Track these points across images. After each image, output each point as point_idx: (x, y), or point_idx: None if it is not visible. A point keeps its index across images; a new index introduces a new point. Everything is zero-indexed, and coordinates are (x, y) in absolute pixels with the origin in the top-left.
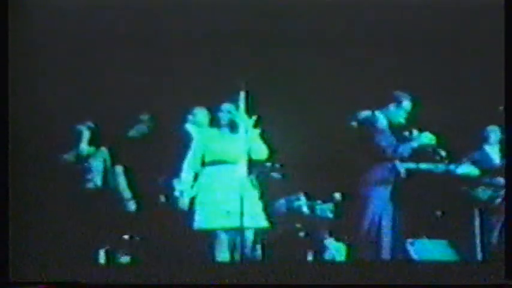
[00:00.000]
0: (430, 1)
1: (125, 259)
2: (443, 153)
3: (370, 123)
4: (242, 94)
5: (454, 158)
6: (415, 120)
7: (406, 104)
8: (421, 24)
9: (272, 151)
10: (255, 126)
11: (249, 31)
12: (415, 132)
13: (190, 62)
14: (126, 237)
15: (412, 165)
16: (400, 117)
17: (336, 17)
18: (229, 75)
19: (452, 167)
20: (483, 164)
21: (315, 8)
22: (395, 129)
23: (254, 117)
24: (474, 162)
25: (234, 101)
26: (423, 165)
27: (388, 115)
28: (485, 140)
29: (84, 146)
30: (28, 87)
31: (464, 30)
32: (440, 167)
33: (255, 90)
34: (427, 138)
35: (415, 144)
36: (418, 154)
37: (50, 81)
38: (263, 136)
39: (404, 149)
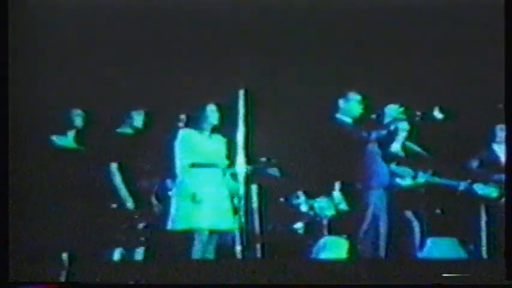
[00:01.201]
0: (430, 1)
1: (124, 258)
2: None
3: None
4: (241, 93)
5: (458, 157)
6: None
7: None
8: (421, 24)
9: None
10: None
11: (247, 30)
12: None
13: (190, 61)
14: (125, 236)
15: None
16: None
17: (334, 17)
18: (228, 74)
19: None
20: (486, 163)
21: (313, 8)
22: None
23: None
24: (477, 161)
25: (233, 99)
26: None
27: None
28: (492, 139)
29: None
30: (29, 85)
31: (464, 30)
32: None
33: (253, 89)
34: (394, 110)
35: (387, 119)
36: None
37: (50, 79)
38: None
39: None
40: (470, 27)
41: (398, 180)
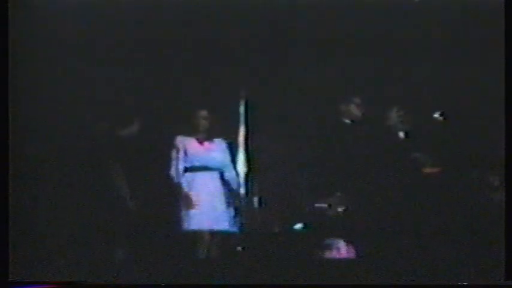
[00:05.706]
0: (429, 1)
1: (124, 258)
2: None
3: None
4: (242, 97)
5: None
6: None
7: None
8: (420, 24)
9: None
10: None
11: (251, 37)
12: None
13: (191, 66)
14: (125, 236)
15: None
16: None
17: (339, 21)
18: (229, 81)
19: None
20: (485, 163)
21: (316, 14)
22: None
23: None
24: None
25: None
26: None
27: None
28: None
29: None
30: (29, 86)
31: (464, 30)
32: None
33: (253, 96)
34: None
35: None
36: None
37: (50, 79)
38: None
39: None
40: (469, 27)
41: None
